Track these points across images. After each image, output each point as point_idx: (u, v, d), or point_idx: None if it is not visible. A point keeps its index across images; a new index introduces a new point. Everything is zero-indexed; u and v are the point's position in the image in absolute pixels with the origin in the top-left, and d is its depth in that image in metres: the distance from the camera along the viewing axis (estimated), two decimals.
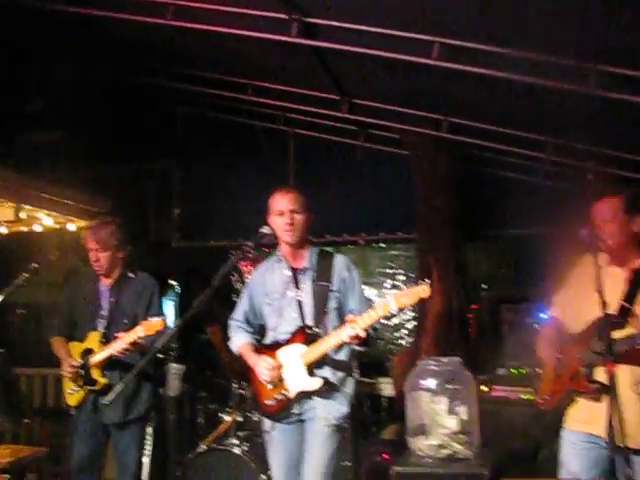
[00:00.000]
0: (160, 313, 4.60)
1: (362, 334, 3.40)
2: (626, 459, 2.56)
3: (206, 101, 7.48)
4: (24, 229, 7.11)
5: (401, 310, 3.34)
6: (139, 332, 4.08)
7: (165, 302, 10.60)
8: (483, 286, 7.33)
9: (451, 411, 2.51)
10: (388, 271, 7.69)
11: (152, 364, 4.51)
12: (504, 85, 5.21)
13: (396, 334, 7.56)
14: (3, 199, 5.97)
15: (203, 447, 5.01)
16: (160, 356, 4.15)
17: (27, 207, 6.26)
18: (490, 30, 4.72)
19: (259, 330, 4.00)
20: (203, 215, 7.96)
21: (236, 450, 4.82)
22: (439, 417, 2.51)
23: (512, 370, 6.00)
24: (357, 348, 3.74)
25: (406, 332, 7.49)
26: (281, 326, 3.79)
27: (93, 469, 4.48)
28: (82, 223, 6.84)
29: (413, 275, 7.30)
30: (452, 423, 2.51)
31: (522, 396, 5.40)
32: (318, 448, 3.67)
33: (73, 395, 4.44)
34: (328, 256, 3.89)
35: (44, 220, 6.70)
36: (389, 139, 7.14)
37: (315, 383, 3.61)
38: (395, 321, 7.58)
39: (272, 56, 5.91)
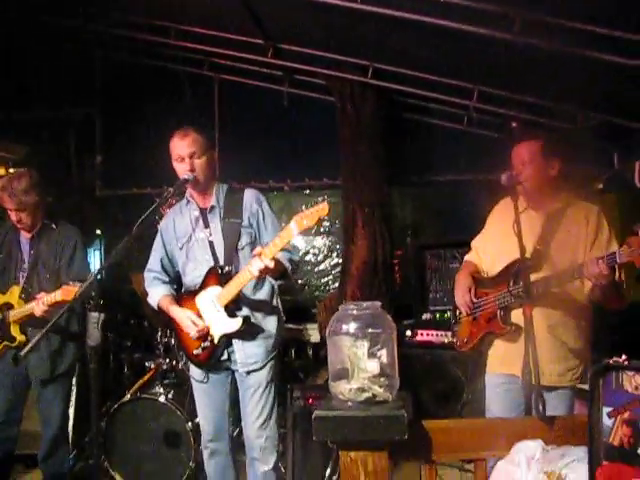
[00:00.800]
0: (84, 266, 4.53)
1: (270, 264, 3.31)
2: (540, 396, 2.64)
3: (128, 45, 7.23)
4: None
5: (303, 231, 3.28)
6: (57, 297, 3.99)
7: (90, 252, 10.47)
8: (408, 232, 7.41)
9: (372, 355, 2.53)
10: None
11: (77, 319, 4.45)
12: (430, 31, 5.18)
13: (322, 280, 7.61)
14: None
15: (128, 396, 5.01)
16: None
17: None
18: None
19: (176, 278, 3.93)
20: (126, 162, 7.76)
21: (161, 398, 4.82)
22: (360, 361, 2.52)
23: (437, 315, 6.14)
24: (275, 282, 3.72)
25: (332, 278, 7.54)
26: (195, 270, 3.72)
27: (12, 422, 4.43)
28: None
29: (339, 221, 7.32)
30: (373, 366, 2.53)
31: (445, 340, 5.54)
32: (252, 401, 3.68)
33: None
34: (237, 192, 3.80)
35: None
36: (315, 85, 7.08)
37: (235, 324, 3.57)
38: (321, 267, 7.62)
39: None
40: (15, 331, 4.28)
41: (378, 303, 2.68)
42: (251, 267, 3.40)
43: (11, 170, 6.71)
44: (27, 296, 4.31)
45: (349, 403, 2.53)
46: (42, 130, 7.71)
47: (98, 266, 10.34)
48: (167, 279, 3.89)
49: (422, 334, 5.79)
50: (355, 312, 2.63)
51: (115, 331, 5.91)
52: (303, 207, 7.47)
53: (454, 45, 5.42)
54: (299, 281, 7.44)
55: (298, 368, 6.08)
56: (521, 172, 3.42)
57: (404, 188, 7.33)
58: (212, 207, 3.73)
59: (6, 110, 7.30)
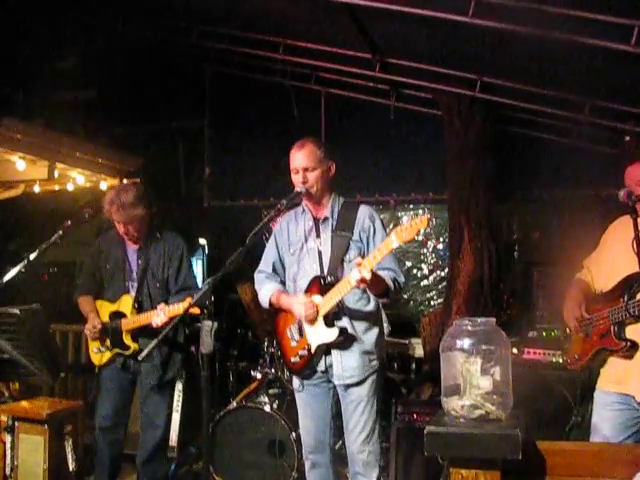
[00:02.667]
0: (190, 275, 4.64)
1: (367, 276, 3.26)
2: None
3: (237, 60, 7.41)
4: (57, 188, 7.15)
5: (402, 244, 3.25)
6: (181, 309, 4.04)
7: (193, 261, 10.74)
8: (515, 248, 7.26)
9: (485, 372, 2.49)
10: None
11: (184, 329, 4.58)
12: (540, 44, 5.10)
13: (427, 295, 7.55)
14: (37, 157, 5.99)
15: (234, 404, 5.09)
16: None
17: (61, 165, 6.29)
18: None
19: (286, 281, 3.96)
20: (234, 174, 7.95)
21: (266, 408, 4.87)
22: (473, 378, 2.49)
23: (543, 333, 5.98)
24: (376, 299, 3.69)
25: (436, 293, 7.46)
26: (302, 278, 3.74)
27: (119, 425, 4.55)
28: (114, 181, 6.86)
29: (445, 236, 7.25)
30: (486, 384, 2.48)
31: (553, 359, 5.38)
32: (354, 416, 3.66)
33: (97, 355, 4.49)
34: (352, 206, 3.79)
35: (77, 179, 6.73)
36: (422, 99, 7.05)
37: (331, 334, 3.56)
38: (426, 282, 7.56)
39: (305, 14, 5.84)
40: (127, 339, 4.41)
41: (493, 320, 2.64)
42: (350, 278, 3.40)
43: (125, 181, 6.98)
44: (139, 306, 4.44)
45: (462, 420, 2.49)
46: (154, 142, 8.00)
47: (200, 275, 10.66)
48: (278, 280, 3.93)
49: (529, 352, 5.63)
50: (469, 328, 2.60)
51: (221, 340, 6.02)
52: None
53: (565, 58, 5.31)
54: (404, 295, 7.43)
55: (401, 382, 6.04)
56: (638, 191, 3.29)
57: (512, 203, 7.18)
58: (325, 218, 3.76)
59: (122, 123, 7.61)
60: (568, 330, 3.74)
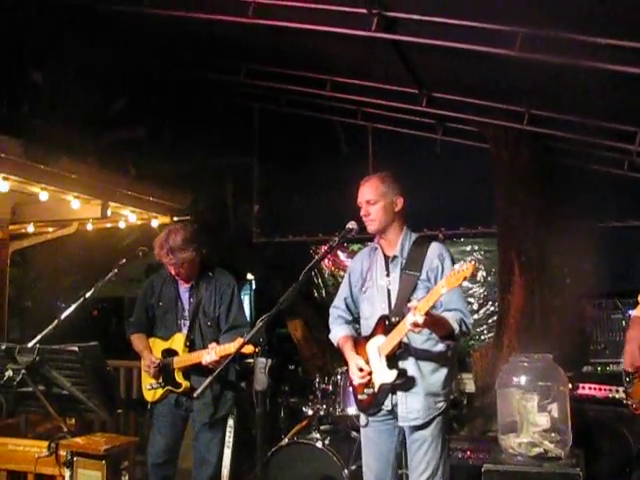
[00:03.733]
0: (242, 312, 4.69)
1: (420, 320, 3.24)
2: None
3: (284, 97, 7.52)
4: (108, 225, 7.29)
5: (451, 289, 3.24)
6: (232, 348, 4.08)
7: (242, 296, 10.83)
8: (567, 281, 7.17)
9: (542, 408, 2.47)
10: None
11: (235, 367, 4.61)
12: (587, 75, 5.08)
13: (477, 329, 7.48)
14: (91, 196, 6.12)
15: (285, 440, 5.08)
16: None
17: (113, 204, 6.41)
18: (571, 17, 4.60)
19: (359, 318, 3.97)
20: (282, 210, 8.03)
21: (318, 444, 4.85)
22: (530, 414, 2.47)
23: (598, 368, 5.87)
24: (440, 341, 3.66)
25: (487, 327, 7.40)
26: (371, 316, 3.75)
27: (170, 462, 4.58)
28: (165, 219, 6.97)
29: (494, 270, 7.19)
30: (543, 421, 2.47)
31: (610, 395, 5.27)
32: (417, 456, 3.62)
33: (151, 391, 4.55)
34: (423, 243, 3.77)
35: (129, 217, 6.85)
36: (468, 132, 7.06)
37: (390, 375, 3.54)
38: (476, 317, 7.49)
39: (351, 51, 5.91)
40: (179, 377, 4.46)
41: (550, 355, 2.62)
42: (406, 320, 3.40)
43: (175, 218, 7.09)
44: (191, 344, 4.50)
45: (519, 457, 2.47)
46: (204, 179, 8.13)
47: (248, 310, 10.73)
48: (350, 318, 3.95)
49: (583, 387, 5.53)
50: (526, 364, 2.59)
51: (272, 376, 6.03)
52: (458, 255, 7.66)
53: (613, 88, 5.28)
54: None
55: (453, 418, 5.97)
56: None
57: (562, 235, 7.10)
58: (395, 257, 3.75)
59: (172, 161, 7.75)
60: (631, 373, 3.64)
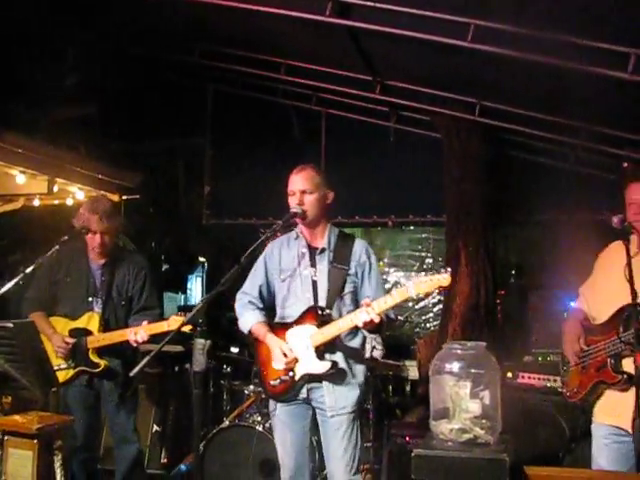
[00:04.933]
0: (154, 295, 4.61)
1: (376, 319, 3.31)
2: None
3: (239, 79, 7.47)
4: (57, 202, 7.17)
5: (419, 296, 3.30)
6: (165, 327, 4.06)
7: (193, 278, 10.73)
8: (511, 272, 7.28)
9: (474, 395, 2.49)
10: (417, 254, 7.66)
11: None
12: (539, 69, 5.14)
13: (423, 317, 7.55)
14: (37, 172, 6.02)
15: (226, 423, 5.08)
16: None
17: (60, 180, 6.31)
18: (526, 13, 4.65)
19: (269, 307, 3.94)
20: (233, 193, 7.96)
21: (259, 427, 4.85)
22: (462, 401, 2.50)
23: (539, 357, 5.96)
24: (368, 335, 3.72)
25: (432, 316, 7.47)
26: (292, 305, 3.73)
27: (91, 444, 4.53)
28: (114, 197, 6.87)
29: (441, 258, 7.27)
30: (475, 407, 2.49)
31: (548, 384, 5.36)
32: (336, 442, 3.64)
33: (61, 372, 4.34)
34: (348, 239, 3.81)
35: (76, 194, 6.75)
36: (421, 121, 7.09)
37: (323, 366, 3.56)
38: (422, 304, 7.57)
39: (306, 36, 5.89)
40: (95, 357, 4.34)
41: (483, 343, 2.65)
42: (356, 317, 3.41)
43: (124, 197, 7.01)
44: (106, 323, 4.38)
45: (450, 443, 2.50)
46: (155, 160, 8.04)
47: (199, 292, 10.65)
48: (261, 306, 3.89)
49: (523, 377, 5.62)
50: (459, 352, 2.61)
51: (215, 358, 6.01)
52: (406, 243, 7.73)
53: (563, 84, 5.35)
54: (400, 317, 7.43)
55: (395, 405, 6.03)
56: (637, 212, 3.30)
57: (509, 227, 7.21)
58: (323, 249, 3.75)
59: (123, 140, 7.65)
60: (567, 362, 3.71)
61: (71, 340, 4.32)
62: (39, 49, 6.43)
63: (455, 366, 2.58)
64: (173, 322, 4.04)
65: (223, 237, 8.11)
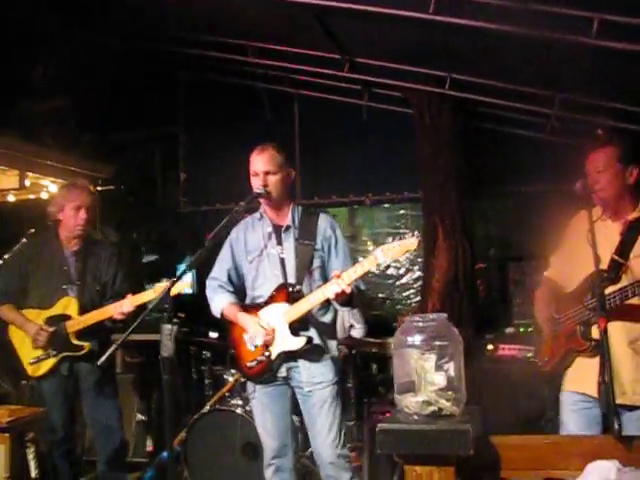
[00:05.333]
0: (125, 281, 4.65)
1: (347, 290, 3.34)
2: (615, 414, 2.51)
3: (208, 64, 7.39)
4: (32, 197, 7.12)
5: (387, 263, 3.30)
6: (151, 294, 4.09)
7: (180, 269, 10.70)
8: (491, 244, 7.27)
9: (439, 368, 2.48)
10: (395, 231, 7.62)
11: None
12: (506, 39, 5.10)
13: (404, 294, 7.54)
14: (7, 167, 5.97)
15: (207, 407, 5.09)
16: None
17: (31, 174, 6.27)
18: None
19: (240, 290, 3.94)
20: (209, 179, 7.92)
21: (239, 410, 4.86)
22: (427, 374, 2.48)
23: (520, 329, 5.98)
24: (340, 308, 3.72)
25: (414, 292, 7.46)
26: (262, 285, 3.74)
27: (72, 434, 4.51)
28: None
29: (420, 234, 7.24)
30: (440, 379, 2.48)
31: (529, 355, 5.37)
32: (320, 420, 3.65)
33: (37, 364, 4.31)
34: (312, 215, 3.83)
35: (50, 187, 6.71)
36: (394, 98, 7.03)
37: (298, 342, 3.57)
38: (403, 281, 7.55)
39: (270, 15, 5.82)
40: (76, 340, 4.33)
41: (444, 315, 2.63)
42: (326, 290, 3.43)
43: (99, 188, 6.96)
44: (83, 308, 4.37)
45: (415, 417, 2.49)
46: (130, 150, 7.98)
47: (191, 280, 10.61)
48: (231, 289, 3.90)
49: (504, 348, 5.64)
50: (420, 324, 2.60)
51: (196, 344, 6.01)
52: (385, 221, 7.69)
53: (532, 52, 5.31)
54: (380, 295, 7.43)
55: (379, 382, 6.04)
56: (596, 180, 3.30)
57: (485, 200, 7.19)
58: (288, 227, 3.76)
59: (96, 131, 7.59)
60: (540, 332, 3.72)
61: (49, 328, 4.29)
62: (5, 42, 6.35)
63: (417, 339, 2.56)
64: (158, 289, 4.02)
65: (200, 224, 8.05)
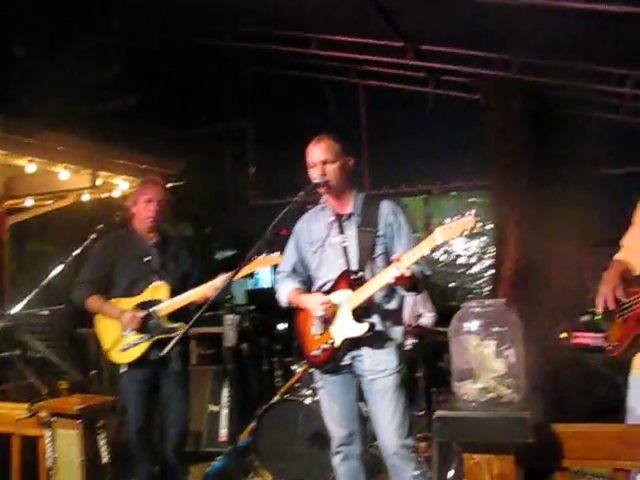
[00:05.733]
0: (200, 274, 4.65)
1: (406, 273, 3.28)
2: None
3: (272, 58, 7.44)
4: (104, 196, 7.28)
5: (446, 243, 3.23)
6: (253, 267, 4.16)
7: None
8: (563, 230, 7.07)
9: (499, 354, 2.43)
10: None
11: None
12: (575, 17, 4.97)
13: (475, 283, 7.44)
14: (78, 166, 6.11)
15: (276, 398, 5.13)
16: None
17: (103, 173, 6.40)
18: None
19: (306, 281, 3.94)
20: (278, 172, 7.97)
21: (307, 401, 4.89)
22: (487, 361, 2.43)
23: (595, 317, 5.82)
24: (405, 294, 3.67)
25: (485, 280, 7.34)
26: (326, 274, 3.72)
27: (151, 427, 4.53)
28: None
29: (490, 223, 7.13)
30: (499, 366, 2.43)
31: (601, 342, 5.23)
32: (383, 408, 3.62)
33: (133, 350, 4.34)
34: (374, 201, 3.77)
35: (121, 185, 6.85)
36: (460, 84, 6.94)
37: (361, 329, 3.54)
38: (474, 270, 7.45)
39: (333, 6, 5.82)
40: (169, 323, 4.34)
41: (502, 300, 2.57)
42: (387, 274, 3.38)
43: (168, 185, 7.07)
44: (171, 292, 4.42)
45: (473, 404, 2.44)
46: (200, 145, 8.10)
47: (268, 275, 10.70)
48: (297, 279, 3.91)
49: (578, 337, 5.49)
50: (477, 310, 2.55)
51: (266, 336, 6.07)
52: (454, 209, 7.59)
53: (603, 30, 5.15)
54: (451, 284, 7.35)
55: (447, 372, 5.97)
56: None
57: (557, 185, 6.99)
58: (349, 215, 3.73)
59: (166, 129, 7.73)
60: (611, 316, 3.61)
61: (141, 313, 4.35)
62: (77, 44, 6.54)
63: (475, 325, 2.51)
64: (260, 261, 4.11)
65: (271, 218, 8.12)
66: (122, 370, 4.37)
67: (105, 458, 3.23)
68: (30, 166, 5.79)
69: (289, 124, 7.74)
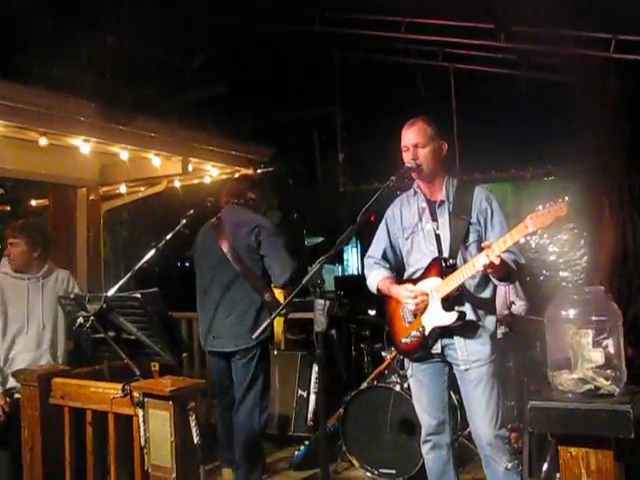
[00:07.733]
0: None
1: (496, 261, 3.18)
2: None
3: (362, 43, 7.40)
4: (195, 181, 7.42)
5: (539, 231, 3.11)
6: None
7: (348, 249, 10.80)
8: None
9: (597, 344, 2.35)
10: None
11: None
12: None
13: (568, 271, 7.24)
14: (170, 153, 6.25)
15: (365, 384, 5.12)
16: None
17: (194, 160, 6.52)
18: None
19: (397, 267, 3.88)
20: (367, 158, 7.93)
21: (397, 387, 4.86)
22: (585, 350, 2.36)
23: None
24: (498, 283, 3.57)
25: (579, 269, 7.13)
26: (418, 260, 3.66)
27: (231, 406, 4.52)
28: (249, 171, 7.03)
29: (585, 208, 6.91)
30: (598, 357, 2.35)
31: None
32: (477, 398, 3.56)
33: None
34: (468, 188, 3.67)
35: (211, 172, 6.96)
36: (553, 66, 6.72)
37: (450, 317, 3.47)
38: (567, 258, 7.25)
39: None
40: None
41: (601, 288, 2.49)
42: (476, 261, 3.30)
43: (259, 171, 7.15)
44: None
45: (569, 395, 2.37)
46: (290, 132, 8.15)
47: (356, 262, 10.71)
48: (387, 266, 3.87)
49: None
50: (575, 297, 2.47)
51: (356, 322, 6.06)
52: (547, 195, 7.38)
53: None
54: (544, 272, 7.18)
55: (541, 362, 5.83)
56: None
57: None
58: (442, 201, 3.65)
59: (255, 116, 7.81)
60: None
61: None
62: (165, 35, 6.66)
63: (572, 313, 2.43)
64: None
65: (362, 203, 8.11)
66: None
67: (196, 439, 3.28)
68: (124, 153, 5.98)
69: (377, 110, 7.69)
